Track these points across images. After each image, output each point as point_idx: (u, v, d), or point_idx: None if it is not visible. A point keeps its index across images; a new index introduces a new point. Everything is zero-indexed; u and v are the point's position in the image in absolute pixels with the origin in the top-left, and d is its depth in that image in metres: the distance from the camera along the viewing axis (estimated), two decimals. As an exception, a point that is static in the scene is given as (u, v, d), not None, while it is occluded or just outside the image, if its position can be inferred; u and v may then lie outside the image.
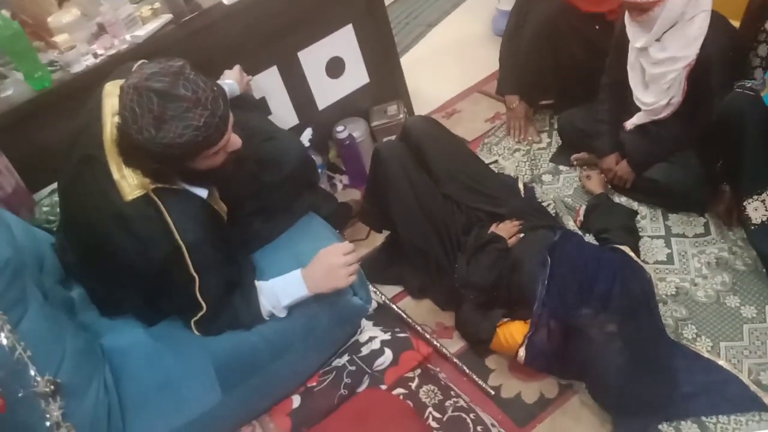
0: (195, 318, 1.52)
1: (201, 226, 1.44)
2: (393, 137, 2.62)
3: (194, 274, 1.44)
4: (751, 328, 1.83)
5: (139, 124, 1.27)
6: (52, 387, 1.35)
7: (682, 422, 1.67)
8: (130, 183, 1.39)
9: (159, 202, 1.39)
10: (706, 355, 1.79)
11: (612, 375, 1.66)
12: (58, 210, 1.81)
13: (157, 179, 1.39)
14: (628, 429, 1.69)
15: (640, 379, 1.67)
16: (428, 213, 2.04)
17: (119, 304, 1.65)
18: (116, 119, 1.35)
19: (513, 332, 1.83)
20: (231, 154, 1.43)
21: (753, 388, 1.68)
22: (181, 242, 1.40)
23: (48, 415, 1.33)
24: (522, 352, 1.78)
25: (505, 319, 1.87)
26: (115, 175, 1.40)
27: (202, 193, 1.47)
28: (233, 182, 1.60)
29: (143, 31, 2.11)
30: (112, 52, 2.09)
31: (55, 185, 1.91)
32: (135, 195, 1.38)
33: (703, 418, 1.67)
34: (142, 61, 1.60)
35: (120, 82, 1.47)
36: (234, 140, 1.41)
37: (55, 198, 1.88)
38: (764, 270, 1.92)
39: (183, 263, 1.42)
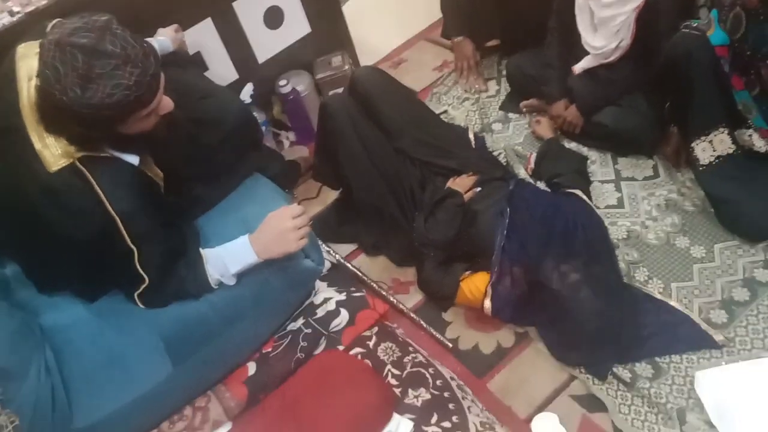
0: (138, 291, 1.45)
1: (134, 194, 1.35)
2: (339, 90, 2.53)
3: (132, 246, 1.36)
4: (701, 268, 1.85)
5: (63, 84, 1.16)
6: (-13, 373, 1.28)
7: (636, 363, 1.69)
8: (53, 153, 1.28)
9: (86, 172, 1.29)
10: (658, 296, 1.81)
11: (586, 322, 1.67)
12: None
13: (83, 146, 1.29)
14: (596, 369, 1.71)
15: (611, 321, 1.69)
16: (380, 167, 1.99)
17: (57, 280, 1.55)
18: (35, 81, 1.24)
19: (477, 284, 1.82)
20: (162, 117, 1.34)
21: (704, 326, 1.71)
22: (114, 213, 1.31)
23: (-15, 403, 1.26)
24: (488, 303, 1.78)
25: (468, 273, 1.86)
26: (37, 145, 1.29)
27: (133, 159, 1.38)
28: (168, 146, 1.50)
29: (63, -15, 1.95)
30: (30, 8, 1.93)
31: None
32: (60, 165, 1.28)
33: (657, 359, 1.69)
34: (57, 19, 1.48)
35: (34, 43, 1.35)
36: (166, 102, 1.32)
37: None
38: (712, 210, 1.94)
39: (119, 235, 1.34)
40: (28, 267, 1.58)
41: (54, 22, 1.43)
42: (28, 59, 1.35)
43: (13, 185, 1.36)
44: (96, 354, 1.47)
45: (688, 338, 1.71)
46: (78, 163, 1.29)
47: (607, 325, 1.68)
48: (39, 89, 1.22)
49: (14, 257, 1.62)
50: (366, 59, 2.80)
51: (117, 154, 1.35)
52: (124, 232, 1.34)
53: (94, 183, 1.29)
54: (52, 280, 1.55)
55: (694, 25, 1.83)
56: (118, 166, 1.35)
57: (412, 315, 1.93)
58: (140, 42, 1.22)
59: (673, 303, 1.79)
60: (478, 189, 1.99)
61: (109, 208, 1.30)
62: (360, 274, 2.02)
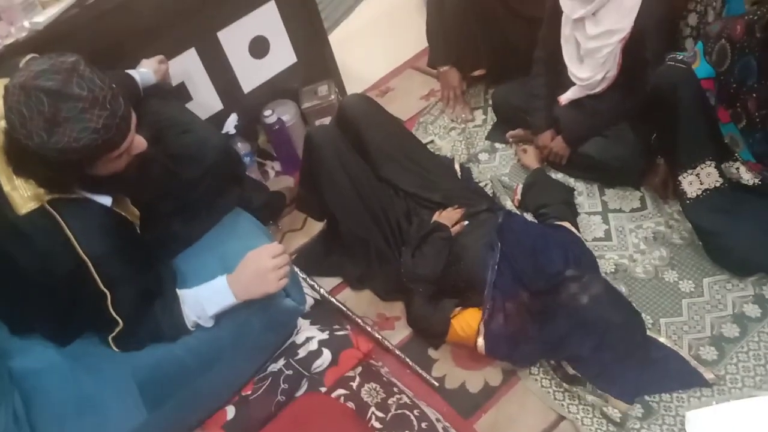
0: (112, 334, 1.40)
1: (107, 237, 1.32)
2: (325, 119, 2.51)
3: (105, 290, 1.32)
4: (690, 303, 1.83)
5: (29, 129, 1.13)
6: (-49, 424, 1.23)
7: (626, 403, 1.66)
8: (22, 195, 1.25)
9: (56, 215, 1.26)
10: (647, 332, 1.78)
11: (613, 332, 1.63)
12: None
13: (52, 189, 1.25)
14: (623, 391, 1.66)
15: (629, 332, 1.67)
16: (366, 200, 1.96)
17: (28, 323, 1.50)
18: (2, 123, 1.21)
19: (469, 321, 1.77)
20: (135, 157, 1.31)
21: (693, 363, 1.68)
22: (85, 257, 1.27)
23: (-53, 456, 1.21)
24: (481, 341, 1.73)
25: (458, 309, 1.82)
26: (6, 187, 1.26)
27: (106, 200, 1.34)
28: (144, 183, 1.47)
29: (43, 17, 1.93)
30: (10, 41, 1.91)
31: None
32: (29, 208, 1.25)
33: (647, 398, 1.66)
34: (31, 55, 1.45)
35: (5, 80, 1.32)
36: (138, 142, 1.30)
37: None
38: (700, 243, 1.92)
39: (90, 279, 1.30)
40: (1, 310, 1.53)
41: (27, 58, 1.41)
42: None
43: None
44: (68, 401, 1.41)
45: (679, 376, 1.68)
46: (48, 206, 1.26)
47: (627, 336, 1.66)
48: (5, 133, 1.19)
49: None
50: (352, 88, 2.78)
51: (88, 195, 1.32)
52: (96, 276, 1.30)
53: (64, 226, 1.26)
54: (23, 322, 1.50)
55: (680, 57, 1.82)
56: (90, 207, 1.32)
57: (398, 352, 1.88)
58: (108, 83, 1.20)
59: (662, 339, 1.75)
60: (465, 223, 1.96)
61: (80, 252, 1.27)
62: (345, 308, 1.98)
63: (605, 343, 1.65)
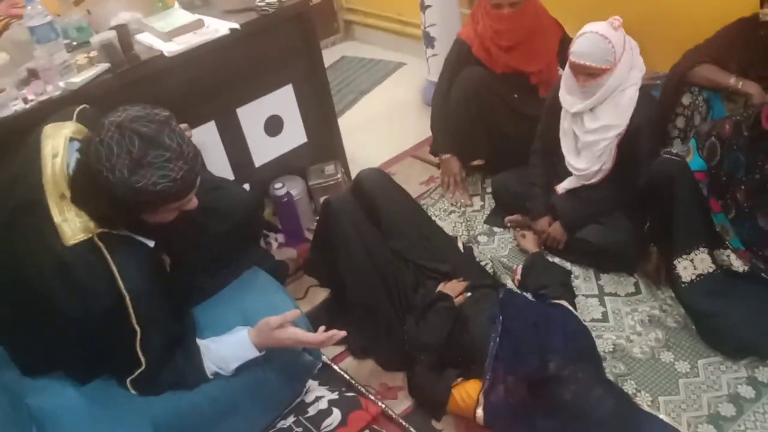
0: (132, 376, 1.41)
1: (147, 275, 1.37)
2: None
3: (136, 327, 1.35)
4: (686, 383, 1.88)
5: (113, 163, 1.22)
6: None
7: (631, 479, 1.68)
8: (72, 227, 1.30)
9: (103, 248, 1.31)
10: (647, 409, 1.82)
11: (606, 420, 1.64)
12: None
13: (104, 224, 1.31)
14: None
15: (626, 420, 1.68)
16: (378, 269, 2.02)
17: (52, 364, 1.49)
18: (59, 158, 1.31)
19: (469, 391, 1.78)
20: (183, 213, 1.39)
21: (694, 441, 1.73)
22: (124, 291, 1.31)
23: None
24: (480, 412, 1.74)
25: (460, 379, 1.84)
26: (57, 219, 1.31)
27: (149, 242, 1.40)
28: (177, 234, 1.53)
29: (78, 79, 2.04)
30: (44, 98, 2.00)
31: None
32: (77, 239, 1.30)
33: (651, 474, 1.68)
34: (83, 105, 1.55)
35: (61, 124, 1.42)
36: (193, 201, 1.39)
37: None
38: (694, 327, 2.00)
39: (125, 314, 1.33)
40: (19, 350, 1.52)
41: (79, 107, 1.51)
42: (53, 138, 1.40)
43: (24, 262, 1.35)
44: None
45: (680, 452, 1.71)
46: (96, 239, 1.30)
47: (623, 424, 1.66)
48: (82, 163, 1.28)
49: (3, 341, 1.55)
50: (357, 170, 2.90)
51: (133, 235, 1.37)
52: (131, 312, 1.33)
53: (109, 260, 1.31)
54: (47, 363, 1.49)
55: (674, 151, 1.98)
56: (135, 245, 1.37)
57: (402, 421, 1.88)
58: (192, 142, 1.31)
59: (662, 416, 1.80)
60: (468, 294, 2.03)
61: (121, 285, 1.31)
62: (348, 377, 1.99)
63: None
